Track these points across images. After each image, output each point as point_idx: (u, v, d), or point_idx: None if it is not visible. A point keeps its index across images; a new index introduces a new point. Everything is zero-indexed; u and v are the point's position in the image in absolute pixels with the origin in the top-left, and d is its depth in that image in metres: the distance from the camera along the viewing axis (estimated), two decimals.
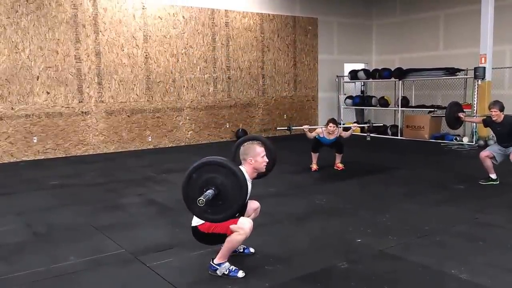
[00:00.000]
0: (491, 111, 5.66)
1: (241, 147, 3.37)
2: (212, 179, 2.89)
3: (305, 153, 7.37)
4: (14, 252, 3.76)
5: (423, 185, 5.93)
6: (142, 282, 3.17)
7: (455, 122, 6.44)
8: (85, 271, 3.34)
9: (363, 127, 11.60)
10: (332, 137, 6.81)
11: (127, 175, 6.97)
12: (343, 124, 12.06)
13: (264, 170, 3.38)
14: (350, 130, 7.18)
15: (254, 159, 3.27)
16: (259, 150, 3.29)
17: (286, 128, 7.34)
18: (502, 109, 5.61)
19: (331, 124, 6.71)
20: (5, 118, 8.14)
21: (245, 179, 2.95)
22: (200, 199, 2.77)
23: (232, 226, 3.06)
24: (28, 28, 8.28)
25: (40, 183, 6.43)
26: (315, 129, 7.07)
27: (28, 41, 8.28)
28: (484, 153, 5.81)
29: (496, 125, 5.72)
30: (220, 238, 3.14)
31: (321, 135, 6.84)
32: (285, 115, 11.71)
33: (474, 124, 9.42)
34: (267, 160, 3.35)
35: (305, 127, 7.01)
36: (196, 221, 3.18)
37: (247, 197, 3.15)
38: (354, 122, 11.93)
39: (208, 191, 2.84)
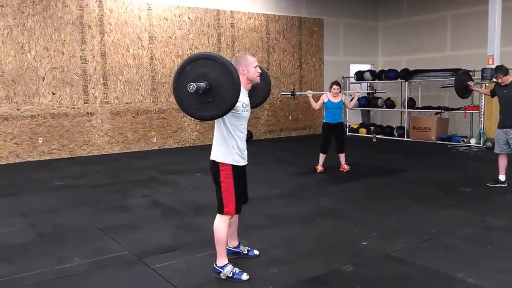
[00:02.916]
0: (497, 79, 5.77)
1: (233, 58, 3.25)
2: (206, 74, 2.80)
3: (309, 154, 7.35)
4: (18, 253, 3.76)
5: (429, 188, 5.88)
6: (145, 284, 3.15)
7: (463, 90, 6.49)
8: (89, 272, 3.33)
9: (369, 127, 11.56)
10: (337, 99, 6.81)
11: (131, 176, 6.97)
12: (349, 125, 12.04)
13: (258, 81, 3.22)
14: (354, 99, 7.16)
15: (246, 68, 3.13)
16: (251, 59, 3.16)
17: (290, 93, 7.30)
18: (506, 73, 5.69)
19: (334, 86, 6.79)
20: (11, 118, 8.17)
21: (239, 79, 2.84)
22: (191, 84, 2.72)
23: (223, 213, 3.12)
24: (34, 29, 8.31)
25: (45, 184, 6.44)
26: (319, 96, 7.04)
27: (34, 42, 8.31)
28: (500, 154, 5.79)
29: (503, 88, 5.73)
30: (218, 195, 3.12)
31: (326, 100, 6.84)
32: (290, 116, 11.68)
33: (482, 125, 9.36)
34: (260, 71, 3.22)
35: (309, 92, 7.00)
36: (216, 156, 3.12)
37: (246, 109, 3.09)
38: (360, 120, 11.90)
39: (201, 83, 2.77)
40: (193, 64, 2.85)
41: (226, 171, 3.10)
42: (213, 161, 3.15)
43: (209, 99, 2.82)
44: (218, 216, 3.15)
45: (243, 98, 3.07)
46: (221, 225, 3.12)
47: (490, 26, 8.99)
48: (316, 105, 6.91)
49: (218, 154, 3.12)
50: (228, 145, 3.08)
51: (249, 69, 3.13)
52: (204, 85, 2.76)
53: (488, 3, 9.01)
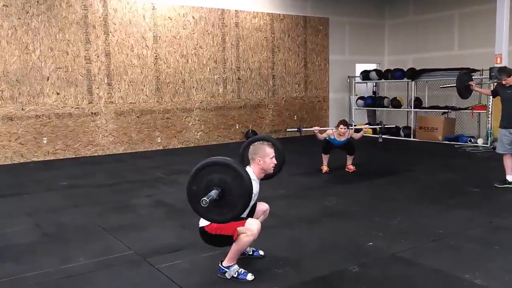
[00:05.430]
0: (502, 81, 5.72)
1: (251, 146, 3.33)
2: (217, 179, 2.84)
3: (315, 154, 7.29)
4: (24, 253, 3.75)
5: (436, 188, 5.82)
6: (150, 283, 3.13)
7: (465, 91, 6.47)
8: (94, 272, 3.32)
9: (375, 128, 11.49)
10: (342, 138, 6.72)
11: (136, 176, 6.96)
12: (355, 125, 11.97)
13: (272, 171, 3.33)
14: (362, 132, 7.08)
15: (263, 159, 3.23)
16: (269, 151, 3.25)
17: (296, 129, 7.28)
18: (509, 74, 5.65)
19: (341, 126, 6.64)
20: (15, 118, 8.19)
21: (250, 180, 2.88)
22: (203, 200, 2.73)
23: (239, 228, 3.02)
24: (39, 29, 8.32)
25: (49, 184, 6.45)
26: (325, 130, 7.01)
27: (38, 42, 8.32)
28: (504, 154, 5.74)
29: (507, 89, 5.70)
30: (227, 240, 3.09)
31: (332, 137, 6.77)
32: (295, 116, 11.63)
33: (489, 125, 9.28)
34: (276, 162, 3.30)
35: (316, 128, 6.95)
36: (203, 222, 3.14)
37: (253, 199, 3.09)
38: (366, 124, 11.84)
39: (212, 191, 2.80)
40: (203, 171, 2.87)
41: (212, 226, 3.08)
42: (201, 228, 3.16)
43: (223, 203, 2.84)
44: (243, 233, 3.05)
45: (254, 187, 3.05)
46: (247, 239, 3.04)
47: (498, 25, 8.90)
48: (321, 137, 6.88)
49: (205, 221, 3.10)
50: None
51: (265, 160, 3.22)
52: (216, 192, 2.79)
53: (496, 1, 8.92)
